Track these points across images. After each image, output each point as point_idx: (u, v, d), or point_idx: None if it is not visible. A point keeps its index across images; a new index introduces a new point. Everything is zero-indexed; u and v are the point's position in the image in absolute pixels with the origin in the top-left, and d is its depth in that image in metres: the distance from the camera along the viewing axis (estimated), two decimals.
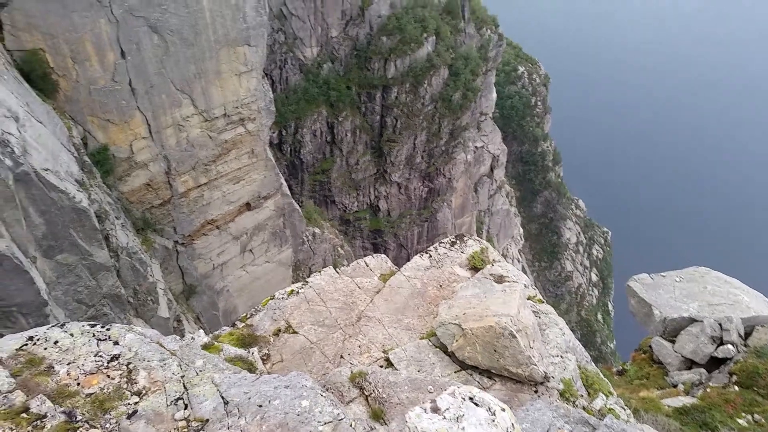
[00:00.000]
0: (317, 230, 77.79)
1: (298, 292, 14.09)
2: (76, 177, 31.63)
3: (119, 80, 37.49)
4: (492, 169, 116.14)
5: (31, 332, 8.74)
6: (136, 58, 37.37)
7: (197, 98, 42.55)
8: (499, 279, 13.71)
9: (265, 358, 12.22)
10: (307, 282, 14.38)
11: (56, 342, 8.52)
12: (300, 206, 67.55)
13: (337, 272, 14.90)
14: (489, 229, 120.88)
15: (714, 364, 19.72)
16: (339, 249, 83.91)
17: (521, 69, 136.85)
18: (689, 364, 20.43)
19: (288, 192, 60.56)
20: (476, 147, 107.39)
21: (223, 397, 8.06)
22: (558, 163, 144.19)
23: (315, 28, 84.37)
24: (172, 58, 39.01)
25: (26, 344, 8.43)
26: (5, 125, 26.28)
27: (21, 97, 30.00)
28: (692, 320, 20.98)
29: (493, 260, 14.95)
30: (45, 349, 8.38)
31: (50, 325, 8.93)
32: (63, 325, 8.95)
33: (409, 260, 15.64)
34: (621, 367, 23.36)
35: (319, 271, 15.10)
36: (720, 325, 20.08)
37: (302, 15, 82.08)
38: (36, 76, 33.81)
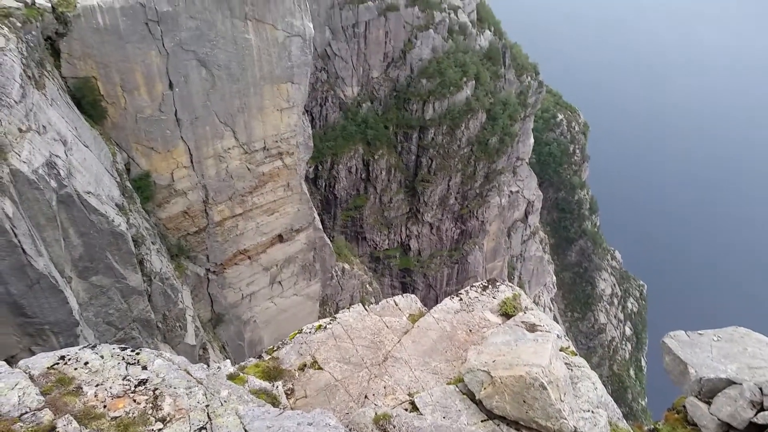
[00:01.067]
0: (347, 266, 77.82)
1: (325, 327, 13.99)
2: (116, 201, 32.49)
3: (165, 110, 38.74)
4: (526, 214, 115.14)
5: (63, 352, 8.84)
6: (184, 90, 38.65)
7: (239, 131, 43.61)
8: (531, 327, 13.38)
9: (289, 392, 12.08)
10: (335, 318, 14.29)
11: (86, 363, 8.58)
12: (331, 241, 67.85)
13: (366, 310, 14.78)
14: (521, 275, 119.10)
15: (753, 430, 18.68)
16: (367, 286, 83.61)
17: (560, 116, 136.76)
18: (726, 428, 19.37)
19: (320, 226, 60.99)
20: (511, 191, 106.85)
21: (246, 430, 7.95)
22: (595, 212, 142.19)
23: (357, 68, 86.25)
24: (218, 91, 40.23)
25: (57, 363, 8.51)
26: (54, 148, 27.29)
27: (71, 122, 31.23)
28: (730, 382, 19.98)
29: (526, 308, 14.63)
30: (75, 369, 8.45)
31: (82, 346, 9.02)
32: (94, 346, 9.03)
33: (437, 301, 15.44)
34: (653, 426, 22.31)
35: (348, 308, 15.00)
36: (761, 389, 19.08)
37: (345, 56, 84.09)
38: (86, 102, 35.20)
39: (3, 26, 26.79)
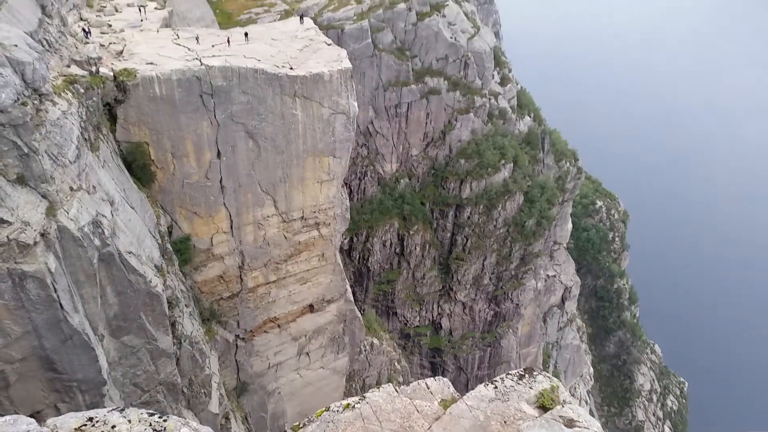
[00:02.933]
0: (376, 341, 76.33)
1: (354, 406, 13.47)
2: (155, 262, 33.02)
3: (212, 177, 39.95)
4: (563, 300, 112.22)
5: (91, 413, 8.70)
6: (230, 159, 39.95)
7: (279, 200, 44.47)
8: (570, 423, 12.61)
9: None
10: (364, 397, 13.78)
11: (113, 426, 8.39)
12: (361, 314, 67.03)
13: (396, 391, 14.24)
14: (557, 363, 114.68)
15: None
16: (396, 364, 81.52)
17: (599, 203, 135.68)
18: None
19: (351, 298, 60.48)
20: (548, 275, 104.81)
21: None
22: (634, 302, 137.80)
23: (397, 146, 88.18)
24: (262, 162, 41.43)
25: (85, 425, 8.36)
26: (101, 207, 28.20)
27: (120, 183, 32.41)
28: None
29: (564, 401, 13.87)
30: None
31: (110, 409, 8.88)
32: (122, 410, 8.87)
33: (468, 385, 14.82)
34: None
35: (378, 387, 14.48)
36: None
37: (386, 134, 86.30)
38: (137, 166, 36.64)
39: (68, 92, 28.47)
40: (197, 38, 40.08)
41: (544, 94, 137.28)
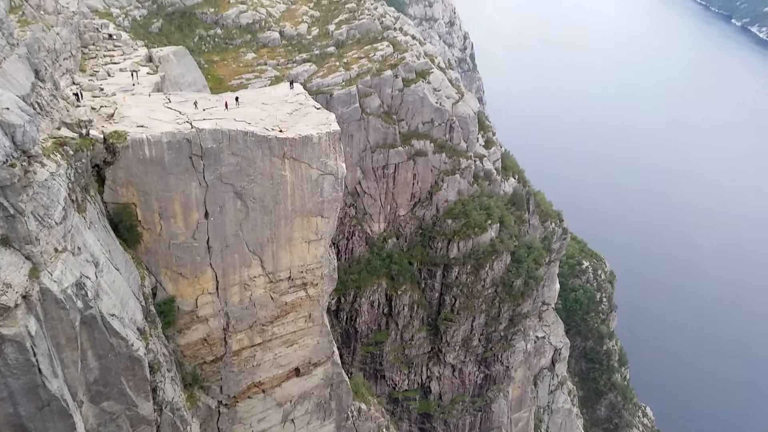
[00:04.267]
0: (363, 406, 74.23)
1: None
2: (138, 325, 32.39)
3: (198, 238, 39.82)
4: (553, 362, 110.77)
5: None
6: (218, 219, 39.99)
7: (267, 260, 44.25)
8: None
9: None
10: None
11: None
12: (349, 377, 65.52)
13: None
14: (548, 428, 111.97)
15: None
16: (384, 430, 79.11)
17: (586, 263, 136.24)
18: None
19: (339, 361, 59.27)
20: (537, 337, 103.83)
21: None
22: (624, 364, 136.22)
23: (385, 206, 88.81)
24: (250, 222, 41.49)
25: None
26: (85, 269, 27.88)
27: (105, 244, 32.18)
28: None
29: None
30: None
31: None
32: None
33: None
34: None
35: None
36: None
37: (374, 194, 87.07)
38: (123, 227, 36.51)
39: (57, 153, 28.67)
40: (195, 103, 40.86)
41: (527, 156, 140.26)
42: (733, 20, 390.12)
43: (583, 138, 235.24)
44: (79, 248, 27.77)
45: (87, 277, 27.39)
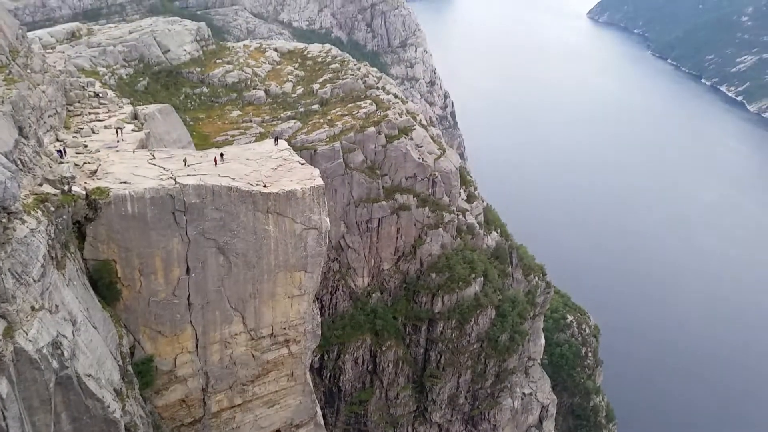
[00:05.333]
0: None
1: None
2: (115, 386, 31.38)
3: (179, 294, 39.18)
4: (541, 420, 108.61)
5: None
6: (200, 275, 39.49)
7: (248, 317, 43.53)
8: None
9: None
10: None
11: None
12: None
13: None
14: None
15: None
16: None
17: (570, 318, 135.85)
18: None
19: (322, 422, 57.56)
20: (524, 393, 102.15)
21: None
22: (612, 420, 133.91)
23: (369, 260, 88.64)
24: (232, 277, 41.02)
25: None
26: (62, 328, 27.18)
27: (84, 302, 31.50)
28: None
29: None
30: None
31: None
32: None
33: None
34: None
35: None
36: None
37: (358, 248, 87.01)
38: (102, 284, 35.87)
39: (38, 210, 28.43)
40: (185, 160, 40.93)
41: (508, 211, 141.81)
42: (702, 80, 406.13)
43: (562, 192, 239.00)
44: (56, 306, 27.14)
45: (64, 336, 26.66)
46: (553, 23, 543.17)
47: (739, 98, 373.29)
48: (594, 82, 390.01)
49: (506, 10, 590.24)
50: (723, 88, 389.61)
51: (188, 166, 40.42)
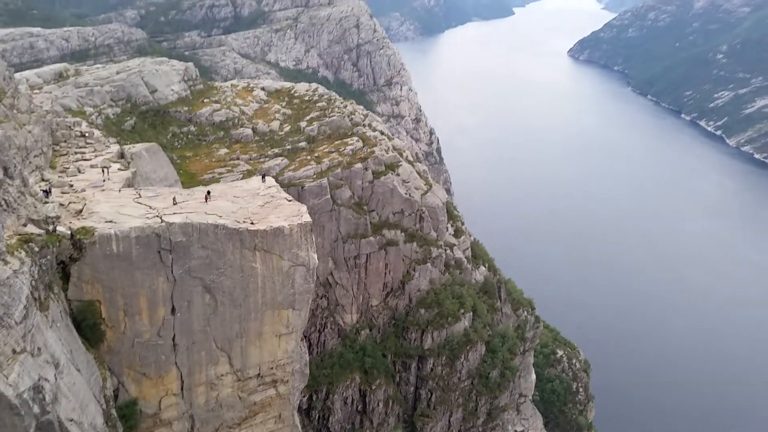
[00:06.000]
0: None
1: None
2: (98, 430, 30.57)
3: (164, 335, 38.51)
4: None
5: None
6: (185, 314, 38.92)
7: (235, 357, 42.78)
8: None
9: None
10: None
11: None
12: None
13: None
14: None
15: None
16: None
17: (560, 352, 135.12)
18: None
19: None
20: (516, 431, 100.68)
21: None
22: None
23: (357, 296, 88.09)
24: (219, 316, 40.46)
25: None
26: (44, 371, 26.53)
27: (67, 344, 30.85)
28: None
29: None
30: None
31: None
32: None
33: None
34: None
35: None
36: None
37: (346, 284, 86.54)
38: (86, 325, 35.20)
39: (22, 251, 28.06)
40: (174, 199, 40.79)
41: (495, 245, 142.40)
42: (682, 115, 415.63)
43: (548, 227, 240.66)
44: (38, 349, 26.54)
45: (46, 379, 26.01)
46: (535, 61, 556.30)
47: (718, 132, 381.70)
48: (577, 117, 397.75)
49: (488, 49, 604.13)
50: (702, 123, 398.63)
51: (176, 204, 40.28)
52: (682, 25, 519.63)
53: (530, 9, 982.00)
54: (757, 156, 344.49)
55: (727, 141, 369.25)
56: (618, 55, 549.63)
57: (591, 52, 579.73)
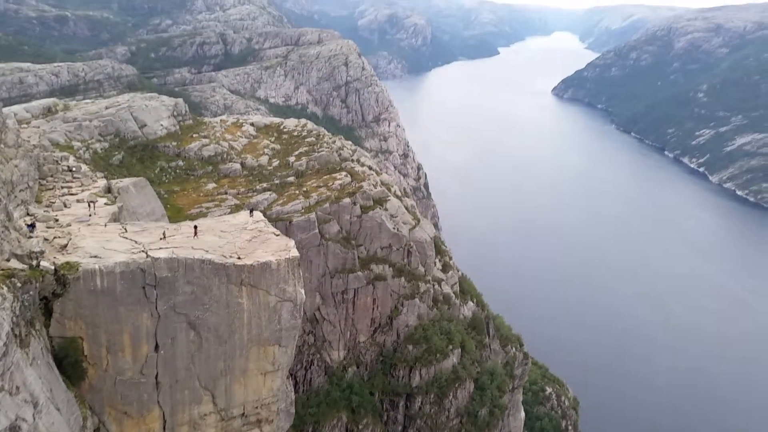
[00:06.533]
0: None
1: None
2: None
3: (147, 373, 37.73)
4: None
5: None
6: (169, 352, 38.22)
7: (219, 396, 41.90)
8: None
9: None
10: None
11: None
12: None
13: None
14: None
15: None
16: None
17: (549, 389, 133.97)
18: None
19: None
20: None
21: None
22: None
23: (344, 332, 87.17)
24: (203, 354, 39.77)
25: None
26: (22, 410, 25.81)
27: (47, 382, 30.10)
28: None
29: None
30: None
31: None
32: None
33: None
34: None
35: None
36: None
37: (333, 320, 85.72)
38: (68, 362, 34.41)
39: (4, 286, 27.58)
40: (163, 234, 40.52)
41: (483, 281, 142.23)
42: (666, 152, 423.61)
43: (535, 262, 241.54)
44: (17, 387, 25.86)
45: (23, 419, 25.26)
46: (520, 100, 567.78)
47: (701, 169, 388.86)
48: (563, 154, 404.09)
49: (474, 88, 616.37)
50: (685, 160, 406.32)
51: (160, 239, 39.98)
52: (664, 65, 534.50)
53: (514, 49, 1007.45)
54: (739, 192, 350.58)
55: (710, 178, 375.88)
56: (602, 93, 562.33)
57: (575, 90, 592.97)
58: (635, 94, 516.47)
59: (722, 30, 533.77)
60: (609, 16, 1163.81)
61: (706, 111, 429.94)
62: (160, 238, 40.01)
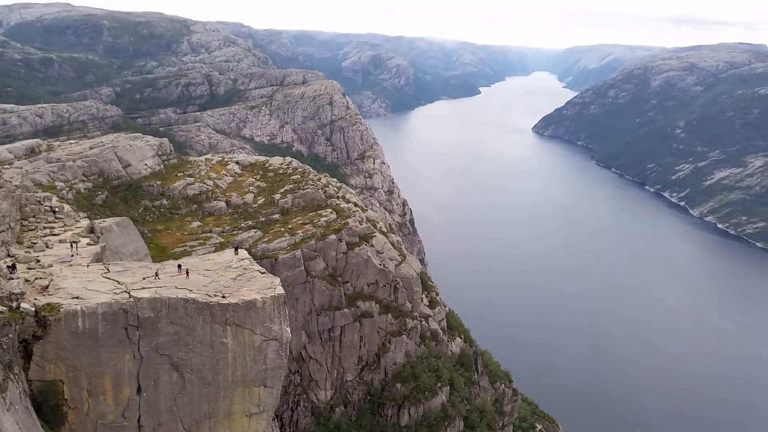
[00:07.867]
0: None
1: None
2: None
3: (129, 416, 36.75)
4: None
5: None
6: (152, 394, 37.34)
7: None
8: None
9: None
10: None
11: None
12: None
13: None
14: None
15: None
16: None
17: (539, 426, 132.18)
18: None
19: None
20: None
21: None
22: None
23: (331, 371, 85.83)
24: (186, 396, 38.89)
25: None
26: None
27: (25, 428, 29.20)
28: None
29: None
30: None
31: None
32: None
33: None
34: None
35: None
36: None
37: (320, 359, 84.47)
38: (47, 407, 33.46)
39: None
40: (156, 273, 40.09)
41: (470, 316, 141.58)
42: (646, 186, 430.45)
43: (522, 298, 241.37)
44: None
45: None
46: (502, 137, 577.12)
47: (682, 203, 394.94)
48: (545, 190, 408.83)
49: (457, 126, 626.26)
50: (666, 194, 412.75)
51: (143, 279, 39.52)
52: (641, 102, 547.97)
53: (495, 88, 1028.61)
54: (719, 225, 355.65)
55: (691, 211, 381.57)
56: (581, 130, 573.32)
57: (555, 128, 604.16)
58: (614, 130, 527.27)
59: (696, 69, 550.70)
60: (587, 55, 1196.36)
61: (684, 146, 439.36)
62: (154, 276, 39.67)
